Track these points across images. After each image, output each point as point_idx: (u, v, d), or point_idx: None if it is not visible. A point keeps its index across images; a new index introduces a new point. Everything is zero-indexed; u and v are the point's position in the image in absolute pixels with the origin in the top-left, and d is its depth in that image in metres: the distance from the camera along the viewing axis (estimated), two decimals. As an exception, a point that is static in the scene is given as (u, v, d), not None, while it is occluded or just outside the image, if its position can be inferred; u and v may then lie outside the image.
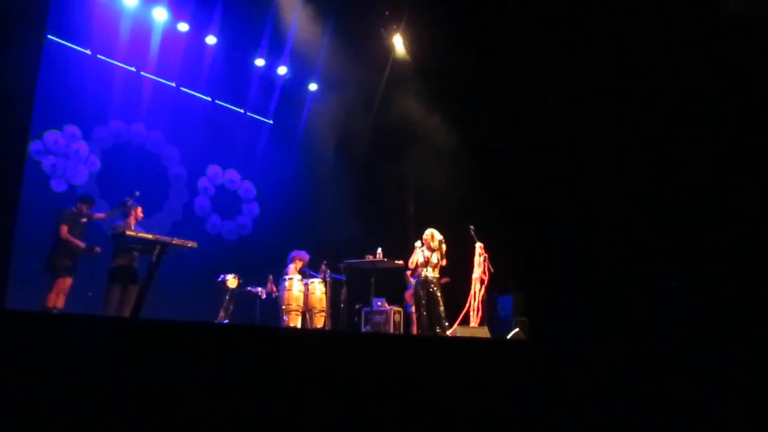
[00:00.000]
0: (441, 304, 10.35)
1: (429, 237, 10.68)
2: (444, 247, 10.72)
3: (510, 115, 13.84)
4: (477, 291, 11.30)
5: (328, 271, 12.20)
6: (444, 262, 10.71)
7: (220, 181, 15.28)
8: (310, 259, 12.18)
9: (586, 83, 12.61)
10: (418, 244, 10.70)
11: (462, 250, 11.48)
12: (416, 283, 10.67)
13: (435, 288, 10.46)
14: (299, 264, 11.93)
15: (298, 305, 11.40)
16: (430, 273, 10.51)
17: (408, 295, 13.00)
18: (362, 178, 16.05)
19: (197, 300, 12.47)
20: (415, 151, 14.99)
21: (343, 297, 12.61)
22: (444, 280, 11.29)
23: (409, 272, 12.18)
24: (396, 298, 13.52)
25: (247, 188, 15.79)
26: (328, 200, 15.28)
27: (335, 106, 15.23)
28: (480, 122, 13.90)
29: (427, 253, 10.60)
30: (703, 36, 11.26)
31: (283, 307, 11.39)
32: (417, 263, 10.52)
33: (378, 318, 12.70)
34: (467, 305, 11.13)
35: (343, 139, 15.75)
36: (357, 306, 13.21)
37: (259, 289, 12.18)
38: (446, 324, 10.31)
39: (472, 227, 11.50)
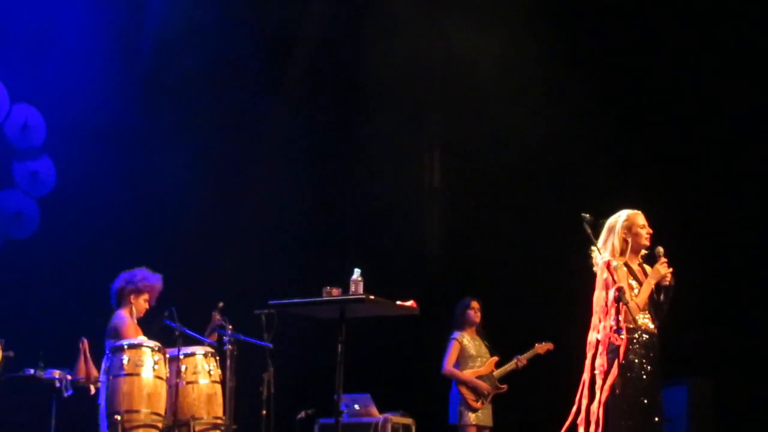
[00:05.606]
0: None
1: (641, 226, 6.98)
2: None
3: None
4: (599, 371, 7.08)
5: (230, 327, 8.84)
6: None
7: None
8: (186, 300, 9.13)
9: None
10: (615, 262, 7.04)
11: (568, 266, 8.34)
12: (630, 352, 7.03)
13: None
14: (142, 304, 8.46)
15: (154, 412, 8.08)
16: (648, 322, 6.95)
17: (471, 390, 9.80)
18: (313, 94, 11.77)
19: None
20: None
21: (266, 389, 9.18)
22: (546, 346, 9.59)
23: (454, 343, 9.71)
24: (398, 396, 10.64)
25: (26, 122, 11.58)
26: (227, 152, 11.39)
27: None
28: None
29: (630, 278, 7.09)
30: None
31: (117, 417, 7.96)
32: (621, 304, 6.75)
33: (354, 444, 10.72)
34: (576, 404, 7.13)
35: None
36: (301, 414, 10.53)
37: (57, 372, 9.19)
38: None
39: (586, 217, 7.26)
